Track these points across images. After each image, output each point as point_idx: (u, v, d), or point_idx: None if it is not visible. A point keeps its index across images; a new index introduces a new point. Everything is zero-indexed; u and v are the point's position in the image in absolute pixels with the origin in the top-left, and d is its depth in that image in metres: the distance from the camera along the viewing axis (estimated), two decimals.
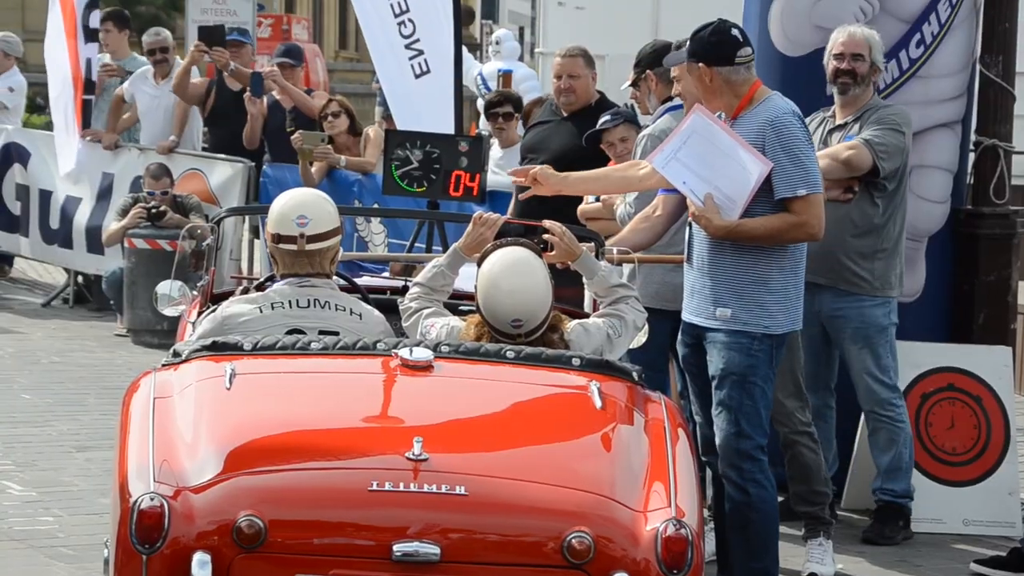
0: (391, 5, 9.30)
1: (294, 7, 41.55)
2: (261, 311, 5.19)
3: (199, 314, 5.61)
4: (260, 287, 5.51)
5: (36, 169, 11.84)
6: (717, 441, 5.54)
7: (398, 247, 9.19)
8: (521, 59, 16.68)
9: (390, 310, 5.51)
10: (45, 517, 6.56)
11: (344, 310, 5.23)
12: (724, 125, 5.48)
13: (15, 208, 11.97)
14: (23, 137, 11.97)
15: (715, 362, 5.50)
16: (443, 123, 9.03)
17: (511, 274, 5.06)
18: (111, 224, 10.81)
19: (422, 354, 4.73)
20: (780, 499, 7.02)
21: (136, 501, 4.19)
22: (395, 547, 4.15)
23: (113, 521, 4.36)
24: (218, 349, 4.82)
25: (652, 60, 7.03)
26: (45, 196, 11.75)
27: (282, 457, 4.37)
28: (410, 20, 9.24)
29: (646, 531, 4.28)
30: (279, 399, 4.72)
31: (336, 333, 5.08)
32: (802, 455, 6.38)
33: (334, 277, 5.37)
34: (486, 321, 5.06)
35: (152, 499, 4.19)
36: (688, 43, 5.57)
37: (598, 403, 4.68)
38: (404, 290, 5.73)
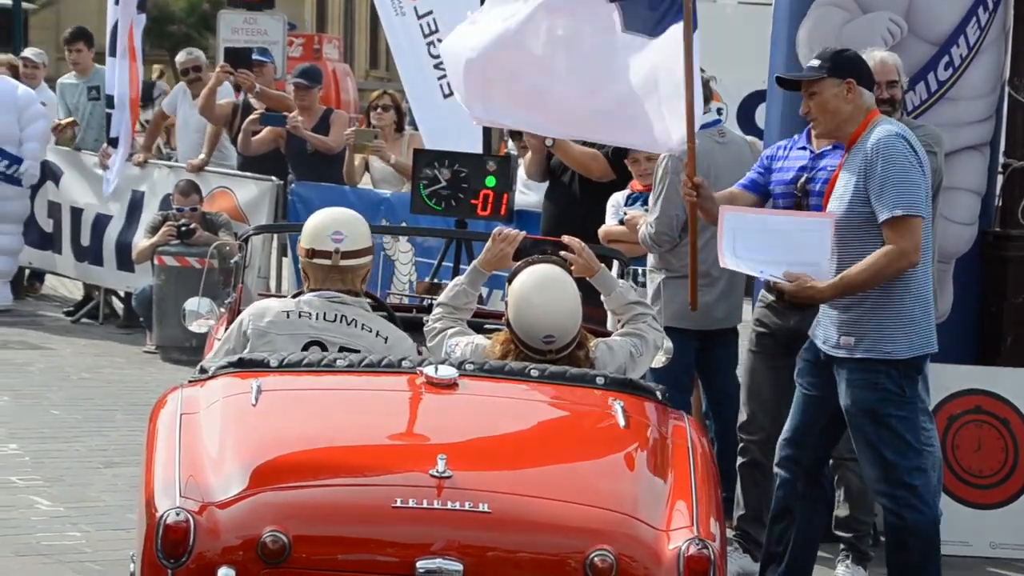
0: (421, 25, 9.34)
1: (325, 27, 41.74)
2: (288, 316, 5.25)
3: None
4: None
5: (68, 187, 11.93)
6: (864, 473, 5.58)
7: (425, 266, 9.22)
8: None
9: (415, 328, 5.55)
10: (73, 532, 6.59)
11: (371, 331, 5.27)
12: (759, 209, 5.56)
13: (47, 226, 12.05)
14: (55, 155, 12.06)
15: (844, 398, 5.53)
16: (471, 143, 9.06)
17: (543, 290, 5.07)
18: (141, 241, 10.88)
19: (447, 372, 4.76)
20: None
21: (162, 516, 4.22)
22: (419, 564, 4.17)
23: (139, 536, 4.39)
24: (244, 366, 4.87)
25: None
26: (76, 213, 11.82)
27: (307, 473, 4.39)
28: (439, 40, 9.28)
29: (668, 550, 4.26)
30: (304, 416, 4.74)
31: (357, 351, 5.11)
32: (848, 479, 6.37)
33: (363, 296, 5.41)
34: (516, 337, 5.06)
35: (178, 514, 4.21)
36: (826, 60, 5.62)
37: (622, 422, 4.70)
38: (429, 308, 5.75)
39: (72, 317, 11.65)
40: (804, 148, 6.22)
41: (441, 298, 5.48)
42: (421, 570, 4.16)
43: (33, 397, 9.07)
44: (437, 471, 4.28)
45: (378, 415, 4.79)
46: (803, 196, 6.09)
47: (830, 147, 6.06)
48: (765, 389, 6.36)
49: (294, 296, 5.49)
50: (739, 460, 6.57)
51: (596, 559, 4.20)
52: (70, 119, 12.11)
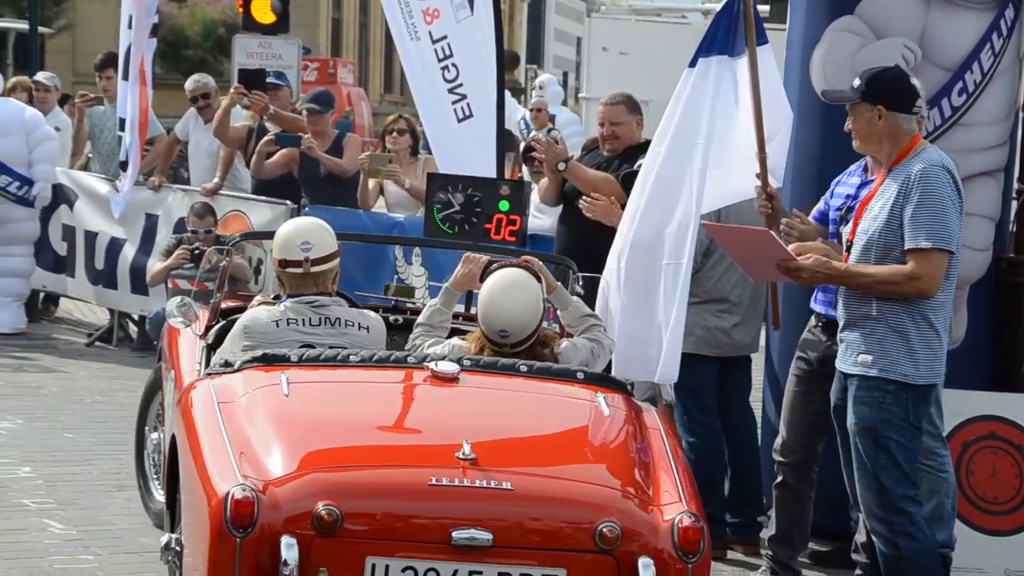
0: (435, 50, 9.35)
1: (340, 51, 41.84)
2: (278, 325, 5.84)
3: (207, 328, 6.30)
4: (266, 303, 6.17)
5: (82, 210, 11.96)
6: (859, 496, 5.55)
7: (438, 290, 9.21)
8: (565, 103, 16.75)
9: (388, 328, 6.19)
10: (85, 556, 6.59)
11: (353, 325, 5.90)
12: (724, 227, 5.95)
13: (61, 249, 12.07)
14: (69, 179, 12.09)
15: (849, 415, 5.54)
16: (485, 167, 9.07)
17: (505, 291, 5.75)
18: (155, 264, 10.90)
19: (449, 367, 5.37)
20: (827, 548, 6.99)
21: (230, 492, 4.76)
22: (454, 533, 4.76)
23: (196, 513, 4.93)
24: (267, 360, 5.45)
25: None
26: (90, 237, 11.85)
27: (351, 456, 5.01)
28: (454, 65, 9.29)
29: (663, 522, 4.89)
30: (334, 404, 5.36)
31: (344, 348, 5.67)
32: None
33: (336, 296, 6.01)
34: (481, 331, 5.72)
35: (244, 490, 4.76)
36: (862, 83, 5.58)
37: (606, 411, 5.35)
38: (396, 308, 6.57)
39: (88, 340, 11.66)
40: (860, 175, 6.23)
41: (419, 319, 6.07)
42: (456, 538, 4.74)
43: (47, 420, 9.08)
44: (463, 453, 4.87)
45: (398, 404, 5.41)
46: (842, 224, 6.08)
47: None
48: (798, 415, 6.38)
49: (274, 297, 6.10)
50: (775, 480, 6.58)
51: (604, 529, 4.82)
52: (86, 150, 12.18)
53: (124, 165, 11.49)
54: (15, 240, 11.76)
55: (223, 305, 6.59)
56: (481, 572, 4.77)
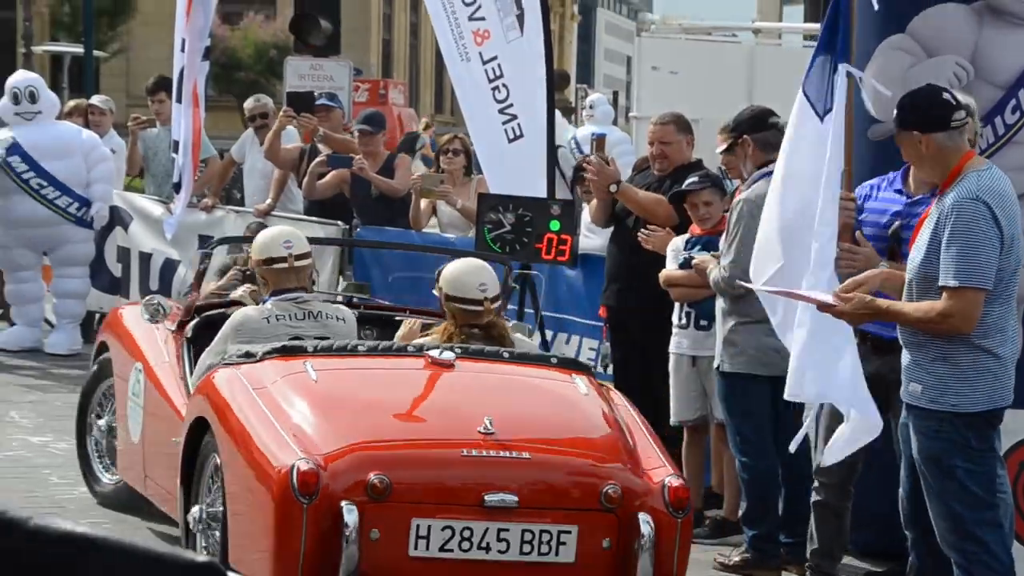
0: (486, 70, 9.38)
1: (391, 72, 42.02)
2: (268, 321, 6.59)
3: (181, 324, 7.06)
4: (236, 303, 7.10)
5: (136, 232, 12.06)
6: (934, 524, 5.46)
7: None
8: (615, 123, 16.75)
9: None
10: None
11: (331, 317, 6.70)
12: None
13: (116, 270, 12.18)
14: (124, 201, 12.20)
15: (913, 444, 5.47)
16: (536, 187, 9.09)
17: (466, 262, 6.59)
18: (208, 285, 10.95)
19: (447, 355, 6.04)
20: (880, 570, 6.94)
21: (294, 464, 5.45)
22: (486, 497, 5.51)
23: (250, 485, 5.60)
24: (287, 351, 6.12)
25: (750, 125, 7.03)
26: (145, 258, 11.94)
27: (392, 432, 5.77)
28: (504, 85, 9.32)
29: (655, 483, 5.69)
30: (358, 388, 6.05)
31: (327, 337, 6.43)
32: None
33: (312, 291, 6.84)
34: (455, 304, 6.35)
35: (307, 462, 5.46)
36: (896, 112, 5.49)
37: (583, 390, 6.10)
38: (351, 303, 7.38)
39: None
40: (900, 191, 6.16)
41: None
42: (488, 501, 5.50)
43: None
44: (485, 428, 5.61)
45: (412, 387, 6.05)
46: (896, 244, 6.03)
47: (928, 193, 5.96)
48: None
49: (259, 296, 6.91)
50: (813, 497, 6.55)
51: (609, 491, 5.60)
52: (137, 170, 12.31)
53: (177, 187, 11.59)
54: (72, 261, 11.88)
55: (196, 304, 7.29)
56: (508, 530, 5.52)
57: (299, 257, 6.74)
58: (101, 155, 11.87)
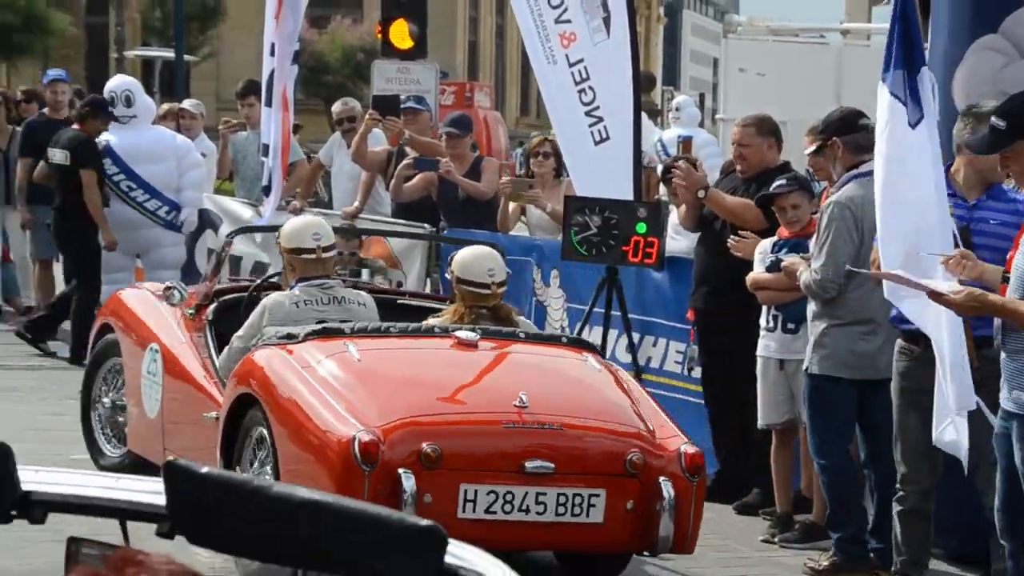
0: (572, 73, 9.39)
1: (477, 74, 42.13)
2: (297, 306, 7.05)
3: (198, 307, 7.50)
4: (260, 287, 7.59)
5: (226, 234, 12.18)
6: None
7: (576, 312, 9.24)
8: (701, 125, 16.70)
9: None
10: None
11: (354, 302, 7.18)
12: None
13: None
14: (214, 204, 12.33)
15: (1016, 453, 5.42)
16: (622, 190, 9.08)
17: (476, 249, 7.11)
18: None
19: (471, 335, 6.56)
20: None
21: (356, 436, 5.95)
22: (526, 463, 6.08)
23: (310, 454, 6.06)
24: (326, 333, 6.59)
25: (839, 127, 6.98)
26: (235, 261, 12.06)
27: (439, 405, 6.32)
28: (591, 88, 9.32)
29: (671, 450, 6.26)
30: (399, 366, 6.57)
31: (349, 321, 6.85)
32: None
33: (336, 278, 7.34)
34: (466, 286, 6.82)
35: (369, 434, 5.97)
36: (1007, 122, 5.42)
37: (596, 366, 6.68)
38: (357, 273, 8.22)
39: None
40: (953, 195, 6.11)
41: None
42: (528, 468, 6.06)
43: None
44: (521, 401, 6.17)
45: (446, 365, 6.57)
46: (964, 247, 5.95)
47: (984, 196, 5.94)
48: (920, 443, 6.28)
49: (260, 286, 7.55)
50: (897, 507, 6.50)
51: (633, 457, 6.18)
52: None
53: (267, 190, 11.70)
54: (163, 265, 12.02)
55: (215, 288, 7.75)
56: (545, 493, 6.08)
57: (326, 249, 7.21)
58: (193, 161, 12.01)
